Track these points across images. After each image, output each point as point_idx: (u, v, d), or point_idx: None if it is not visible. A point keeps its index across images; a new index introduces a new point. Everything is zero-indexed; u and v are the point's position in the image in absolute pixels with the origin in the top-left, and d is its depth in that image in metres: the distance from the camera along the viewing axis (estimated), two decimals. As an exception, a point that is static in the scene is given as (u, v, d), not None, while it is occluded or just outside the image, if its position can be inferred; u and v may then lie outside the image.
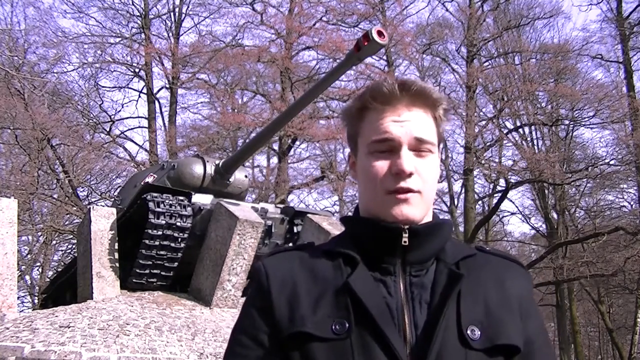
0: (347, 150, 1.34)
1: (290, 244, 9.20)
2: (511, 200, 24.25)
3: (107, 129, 21.03)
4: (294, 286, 1.15)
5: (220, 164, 9.16)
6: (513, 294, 1.18)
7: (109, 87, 23.35)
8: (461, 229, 21.28)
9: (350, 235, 1.23)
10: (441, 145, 1.26)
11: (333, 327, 1.10)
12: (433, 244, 1.18)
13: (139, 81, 22.87)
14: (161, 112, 22.41)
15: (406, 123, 1.18)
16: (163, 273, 8.26)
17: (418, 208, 1.17)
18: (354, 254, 1.17)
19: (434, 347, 1.07)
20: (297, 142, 20.34)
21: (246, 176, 9.74)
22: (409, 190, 1.15)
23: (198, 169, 9.07)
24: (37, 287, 20.08)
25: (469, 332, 1.10)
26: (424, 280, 1.16)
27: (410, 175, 1.15)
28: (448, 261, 1.18)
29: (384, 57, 21.08)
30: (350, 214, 1.30)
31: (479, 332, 1.11)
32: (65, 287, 9.99)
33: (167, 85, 22.10)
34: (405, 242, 1.15)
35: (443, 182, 22.00)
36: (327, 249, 1.22)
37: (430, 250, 1.18)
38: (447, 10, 23.08)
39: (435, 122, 1.22)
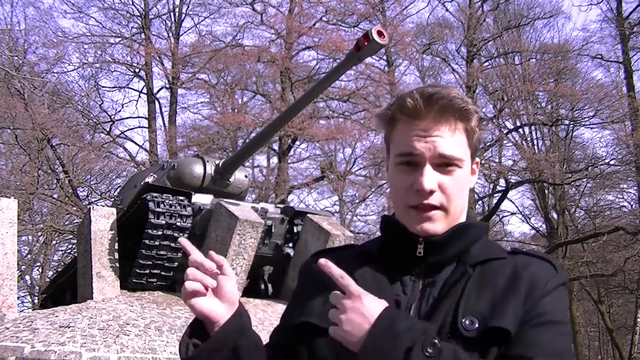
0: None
1: (291, 244, 9.24)
2: (511, 200, 24.17)
3: (107, 129, 21.02)
4: (316, 281, 1.20)
5: (220, 164, 9.16)
6: (524, 281, 1.12)
7: (109, 87, 23.27)
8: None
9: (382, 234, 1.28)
10: (477, 152, 1.23)
11: None
12: (452, 250, 1.18)
13: (139, 81, 22.88)
14: (161, 112, 22.43)
15: (431, 139, 1.14)
16: (163, 273, 8.25)
17: (440, 223, 1.17)
18: (373, 251, 1.23)
19: None
20: (297, 142, 20.33)
21: (246, 176, 9.74)
22: (430, 207, 1.15)
23: (198, 169, 9.07)
24: (37, 287, 20.10)
25: (466, 322, 1.08)
26: (437, 279, 1.17)
27: (431, 192, 1.14)
28: (468, 263, 1.17)
29: (384, 57, 21.07)
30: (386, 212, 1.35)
31: (477, 323, 1.08)
32: (65, 287, 9.98)
33: (167, 85, 22.10)
34: (420, 253, 1.17)
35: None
36: (358, 247, 1.30)
37: (449, 255, 1.19)
38: (447, 10, 23.07)
39: (467, 134, 1.18)
